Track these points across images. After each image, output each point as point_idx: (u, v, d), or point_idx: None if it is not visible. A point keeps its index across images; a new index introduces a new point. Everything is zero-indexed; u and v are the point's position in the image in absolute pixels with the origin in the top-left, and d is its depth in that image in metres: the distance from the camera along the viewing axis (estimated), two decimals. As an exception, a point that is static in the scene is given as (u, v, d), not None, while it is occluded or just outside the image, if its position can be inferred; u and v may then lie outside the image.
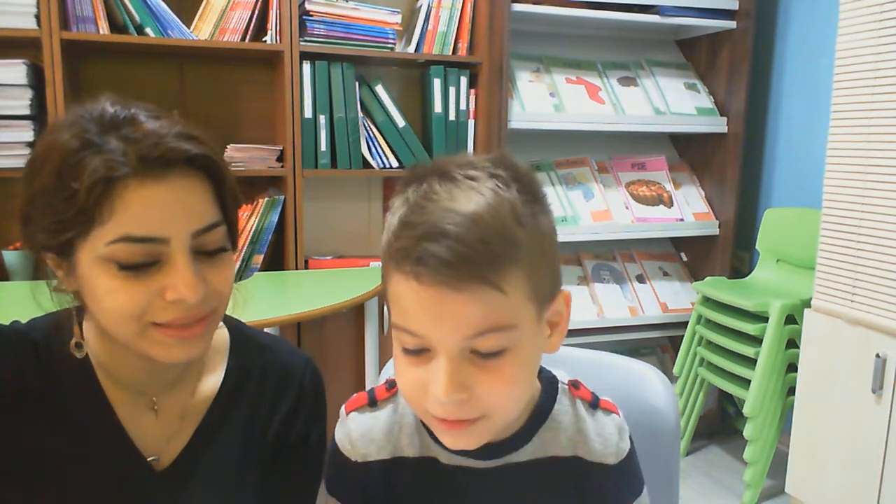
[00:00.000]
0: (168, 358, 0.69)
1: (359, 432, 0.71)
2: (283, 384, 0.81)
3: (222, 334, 0.82)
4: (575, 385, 0.73)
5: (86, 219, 0.63)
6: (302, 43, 2.13)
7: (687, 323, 2.52)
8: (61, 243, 0.65)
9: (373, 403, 0.72)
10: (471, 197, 0.56)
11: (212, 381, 0.79)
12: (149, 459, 0.74)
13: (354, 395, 0.74)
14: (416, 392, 0.60)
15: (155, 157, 0.63)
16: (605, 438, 0.70)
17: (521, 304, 0.58)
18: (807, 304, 2.04)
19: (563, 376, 0.74)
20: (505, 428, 0.67)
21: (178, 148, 0.65)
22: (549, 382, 0.72)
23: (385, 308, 2.25)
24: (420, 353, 0.59)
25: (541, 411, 0.70)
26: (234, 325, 0.84)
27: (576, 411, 0.71)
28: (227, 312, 0.77)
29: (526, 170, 0.62)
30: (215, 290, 0.69)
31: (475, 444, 0.62)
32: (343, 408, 0.74)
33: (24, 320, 0.77)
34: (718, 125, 2.61)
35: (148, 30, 1.99)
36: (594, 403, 0.72)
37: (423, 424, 0.69)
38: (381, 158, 2.30)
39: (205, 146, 0.67)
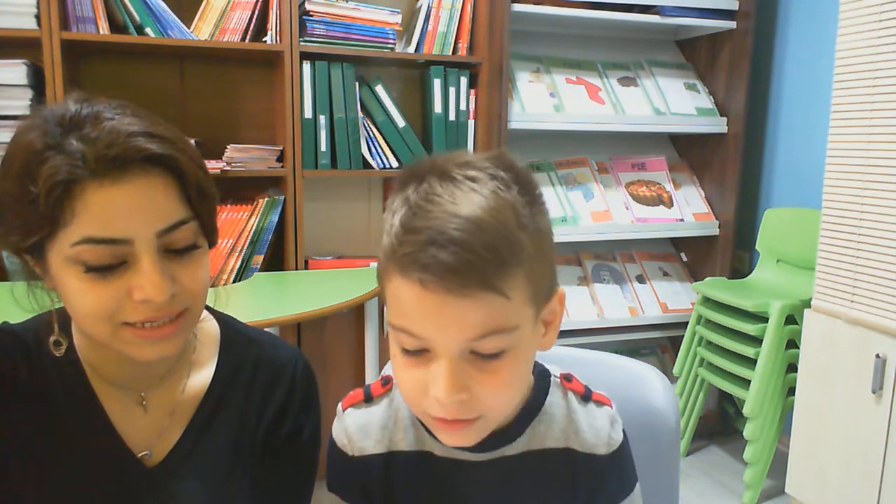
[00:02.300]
0: (141, 357, 0.69)
1: (355, 427, 0.72)
2: (275, 378, 0.81)
3: (212, 329, 0.82)
4: (567, 378, 0.74)
5: (49, 222, 0.63)
6: (302, 43, 2.13)
7: (687, 323, 2.52)
8: (32, 245, 0.65)
9: (368, 399, 0.73)
10: (473, 200, 0.56)
11: (202, 376, 0.79)
12: (140, 455, 0.74)
13: (351, 392, 0.75)
14: (416, 392, 0.60)
15: (112, 157, 0.63)
16: (597, 429, 0.71)
17: (522, 306, 0.58)
18: (807, 304, 2.04)
19: (555, 370, 0.75)
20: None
21: (135, 146, 0.64)
22: (541, 376, 0.73)
23: (384, 308, 2.25)
24: (419, 353, 0.59)
25: (533, 405, 0.71)
26: (224, 320, 0.84)
27: (568, 403, 0.72)
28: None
29: (524, 169, 0.61)
30: (186, 288, 0.69)
31: (472, 442, 0.63)
32: (340, 404, 0.75)
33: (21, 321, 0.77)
34: (718, 125, 2.61)
35: (148, 30, 1.99)
36: (586, 396, 0.73)
37: (419, 419, 0.70)
38: (381, 158, 2.30)
39: (164, 143, 0.66)
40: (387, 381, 0.74)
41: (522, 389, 0.67)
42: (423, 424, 0.70)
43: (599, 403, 0.73)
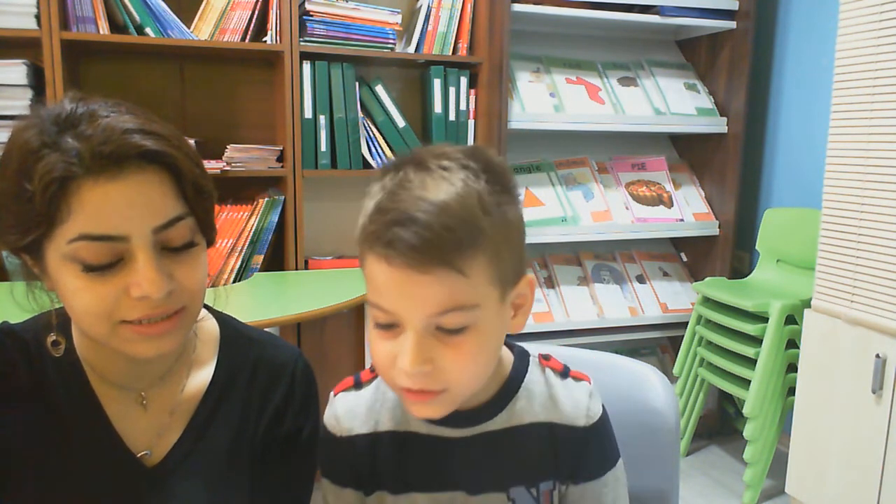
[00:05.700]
0: (139, 354, 0.69)
1: (343, 410, 0.75)
2: (274, 378, 0.81)
3: (212, 329, 0.82)
4: (545, 357, 0.78)
5: (45, 220, 0.63)
6: (302, 43, 2.13)
7: (687, 323, 2.52)
8: (29, 243, 0.65)
9: (358, 385, 0.77)
10: (441, 186, 0.60)
11: (202, 376, 0.79)
12: (140, 454, 0.74)
13: (343, 379, 0.79)
14: (387, 364, 0.64)
15: (107, 154, 0.63)
16: (576, 402, 0.74)
17: (484, 286, 0.62)
18: (807, 304, 2.03)
19: (534, 350, 0.78)
20: (476, 397, 0.71)
21: (130, 143, 0.64)
22: (521, 356, 0.76)
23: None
24: (390, 327, 0.63)
25: (513, 382, 0.74)
26: (224, 320, 0.84)
27: (546, 380, 0.75)
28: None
29: (498, 162, 0.65)
30: (183, 285, 0.68)
31: (439, 414, 0.66)
32: (332, 391, 0.78)
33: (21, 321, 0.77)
34: (718, 125, 2.61)
35: (148, 30, 1.99)
36: (564, 372, 0.76)
37: None
38: (381, 159, 2.30)
39: (160, 139, 0.66)
40: (374, 368, 0.77)
41: (488, 366, 0.68)
42: None
43: (577, 379, 0.76)
